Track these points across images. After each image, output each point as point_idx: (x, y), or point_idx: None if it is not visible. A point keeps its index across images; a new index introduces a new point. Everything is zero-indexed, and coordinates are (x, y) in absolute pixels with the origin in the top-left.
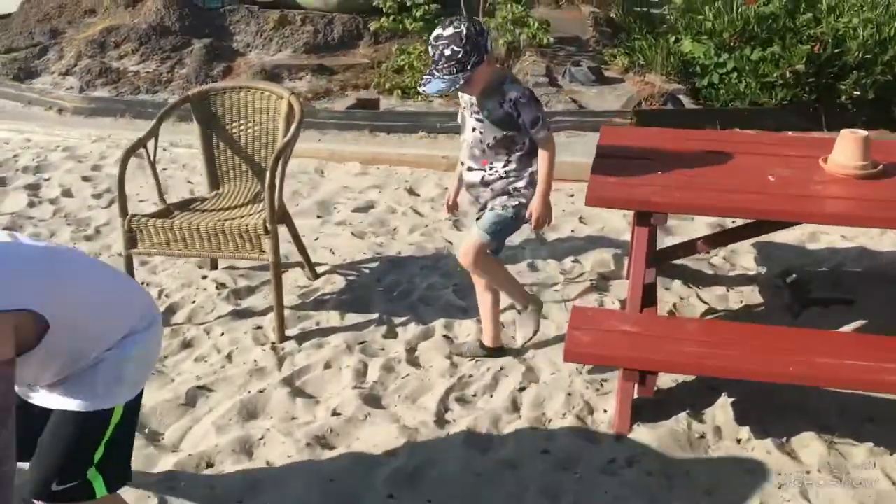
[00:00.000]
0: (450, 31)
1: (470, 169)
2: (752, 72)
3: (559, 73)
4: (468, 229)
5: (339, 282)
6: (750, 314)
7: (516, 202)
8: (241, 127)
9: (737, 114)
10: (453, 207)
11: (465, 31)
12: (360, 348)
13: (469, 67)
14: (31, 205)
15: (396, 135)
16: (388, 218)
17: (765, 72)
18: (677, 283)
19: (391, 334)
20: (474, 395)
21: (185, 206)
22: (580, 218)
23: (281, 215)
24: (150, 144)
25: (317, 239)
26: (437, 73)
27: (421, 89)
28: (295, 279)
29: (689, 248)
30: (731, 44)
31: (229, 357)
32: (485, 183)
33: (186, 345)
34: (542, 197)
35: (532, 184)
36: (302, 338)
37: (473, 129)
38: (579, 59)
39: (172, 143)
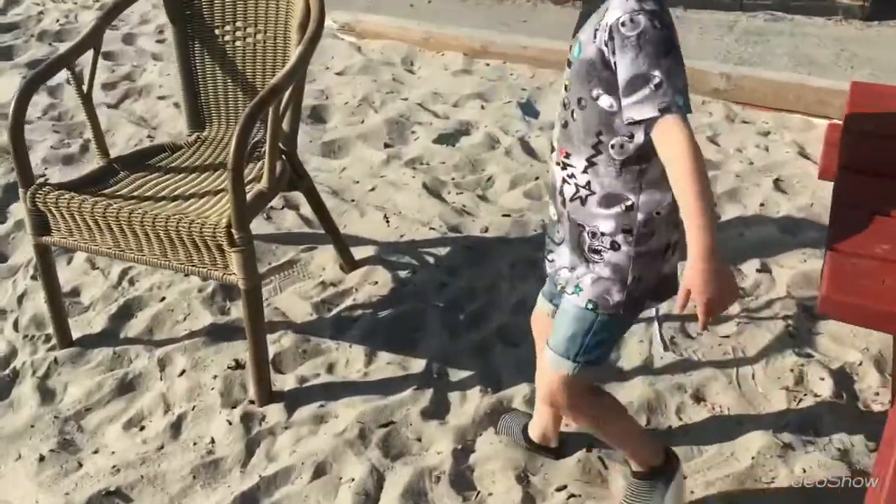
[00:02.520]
0: None
1: (553, 156)
2: None
3: None
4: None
5: (382, 281)
6: None
7: (594, 276)
8: (237, 35)
9: None
10: None
11: None
12: (381, 437)
13: None
14: None
15: (530, 1)
16: (484, 158)
17: None
18: None
19: (439, 409)
20: None
21: (141, 161)
22: (776, 180)
23: (293, 179)
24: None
25: (372, 189)
26: None
27: None
28: (322, 266)
29: None
30: None
31: (177, 425)
32: (561, 193)
33: (125, 388)
34: (699, 262)
35: (636, 235)
36: (296, 397)
37: (566, 87)
38: None
39: None
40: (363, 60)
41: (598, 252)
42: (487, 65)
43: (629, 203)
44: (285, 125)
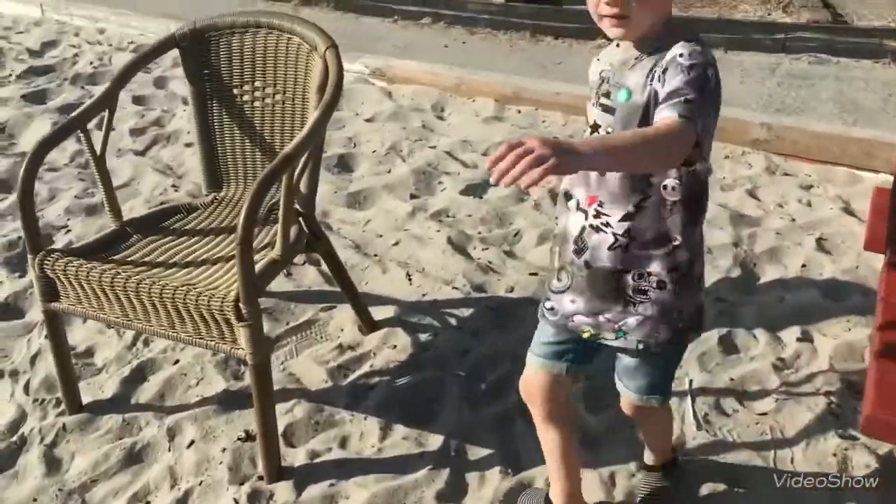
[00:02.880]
0: None
1: (570, 204)
2: None
3: None
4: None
5: (401, 344)
6: None
7: (639, 317)
8: (256, 95)
9: None
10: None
11: None
12: None
13: None
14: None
15: (566, 41)
16: (512, 211)
17: None
18: None
19: (455, 492)
20: None
21: (155, 224)
22: (818, 239)
23: (310, 240)
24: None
25: (395, 244)
26: None
27: None
28: (340, 326)
29: None
30: None
31: (183, 502)
32: (578, 246)
33: (132, 459)
34: (575, 145)
35: (681, 271)
36: (307, 474)
37: (594, 128)
38: None
39: None
40: (393, 106)
41: (644, 293)
42: (519, 111)
43: (676, 242)
44: (303, 186)
